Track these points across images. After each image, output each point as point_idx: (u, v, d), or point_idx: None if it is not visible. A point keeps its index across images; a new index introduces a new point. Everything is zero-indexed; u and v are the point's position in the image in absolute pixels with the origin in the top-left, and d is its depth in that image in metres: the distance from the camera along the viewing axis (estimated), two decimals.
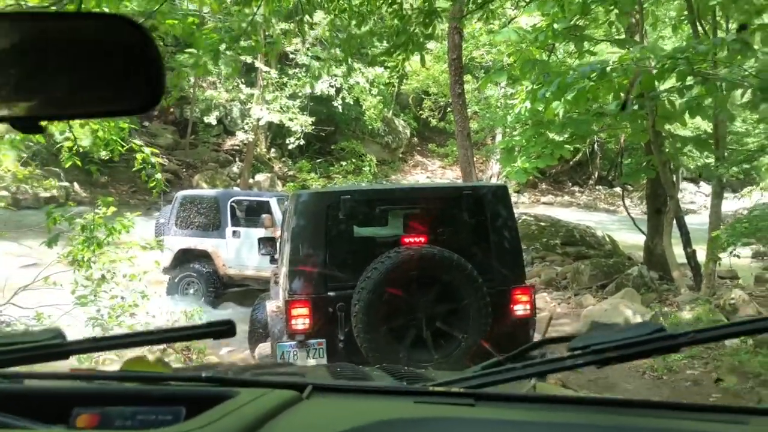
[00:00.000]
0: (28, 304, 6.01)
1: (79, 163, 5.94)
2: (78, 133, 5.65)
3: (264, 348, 5.06)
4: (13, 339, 1.23)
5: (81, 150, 5.87)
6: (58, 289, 6.00)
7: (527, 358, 1.37)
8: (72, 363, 1.42)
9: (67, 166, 6.10)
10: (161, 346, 6.16)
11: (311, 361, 4.42)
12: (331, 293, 4.52)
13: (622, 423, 1.06)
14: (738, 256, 9.17)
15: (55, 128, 5.59)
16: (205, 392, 1.20)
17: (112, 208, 6.06)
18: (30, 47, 0.92)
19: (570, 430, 1.04)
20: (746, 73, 6.57)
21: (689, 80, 6.84)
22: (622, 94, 7.55)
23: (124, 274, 6.21)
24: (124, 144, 5.93)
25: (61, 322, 5.70)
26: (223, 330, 1.30)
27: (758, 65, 6.75)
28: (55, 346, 1.21)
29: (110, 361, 5.01)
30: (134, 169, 6.30)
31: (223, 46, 5.44)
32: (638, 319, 8.05)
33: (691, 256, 9.64)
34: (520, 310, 4.69)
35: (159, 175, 6.21)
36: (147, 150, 6.00)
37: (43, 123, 0.88)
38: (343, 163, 25.45)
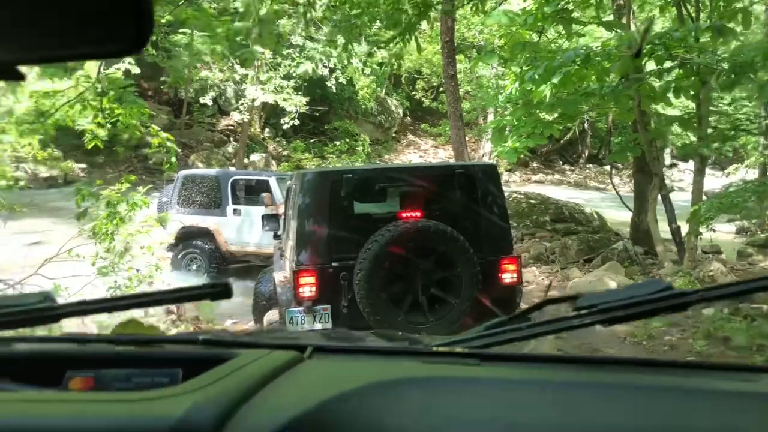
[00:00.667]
0: (48, 276, 6.38)
1: (101, 144, 6.29)
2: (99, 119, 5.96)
3: (272, 315, 5.44)
4: (1, 303, 1.21)
5: (105, 134, 6.20)
6: (77, 261, 6.37)
7: (531, 318, 1.33)
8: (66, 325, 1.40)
9: (89, 147, 6.43)
10: (173, 318, 6.55)
11: (317, 326, 4.83)
12: (335, 263, 4.90)
13: (631, 380, 1.05)
14: (714, 230, 9.55)
15: (79, 117, 5.85)
16: (203, 354, 1.16)
17: (127, 184, 6.43)
18: None
19: (576, 388, 1.01)
20: (719, 57, 6.94)
21: (668, 63, 7.20)
22: (606, 78, 7.87)
23: (141, 246, 6.60)
24: (146, 126, 6.28)
25: (83, 293, 6.08)
26: (219, 291, 1.24)
27: (730, 51, 7.11)
28: (45, 310, 1.18)
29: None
30: (149, 151, 6.62)
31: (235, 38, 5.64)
32: None
33: (675, 231, 9.96)
34: (507, 278, 5.09)
35: (174, 159, 6.55)
36: (163, 134, 6.35)
37: (24, 68, 0.82)
38: (337, 143, 25.58)
